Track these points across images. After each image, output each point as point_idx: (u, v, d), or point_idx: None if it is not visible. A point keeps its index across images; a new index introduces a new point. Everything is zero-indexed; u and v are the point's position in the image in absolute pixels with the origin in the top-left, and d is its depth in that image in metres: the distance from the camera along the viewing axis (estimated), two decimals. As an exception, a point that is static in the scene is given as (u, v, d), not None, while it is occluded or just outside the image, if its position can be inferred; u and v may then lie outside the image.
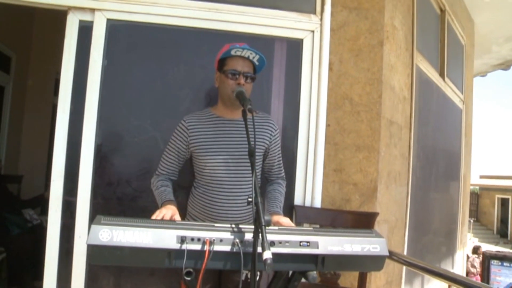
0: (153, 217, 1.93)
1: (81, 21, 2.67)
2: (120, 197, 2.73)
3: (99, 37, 2.66)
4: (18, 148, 5.81)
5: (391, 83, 3.08)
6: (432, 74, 4.10)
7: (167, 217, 1.94)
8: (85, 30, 2.67)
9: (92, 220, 2.14)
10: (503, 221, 27.45)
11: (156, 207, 2.19)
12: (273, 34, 2.88)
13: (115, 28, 2.71)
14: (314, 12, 2.93)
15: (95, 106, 2.64)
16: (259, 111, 2.31)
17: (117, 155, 2.76)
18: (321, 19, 2.91)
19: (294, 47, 2.93)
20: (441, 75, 4.41)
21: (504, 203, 27.48)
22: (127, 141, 2.75)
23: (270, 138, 2.34)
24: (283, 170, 2.49)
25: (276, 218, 2.12)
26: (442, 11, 4.40)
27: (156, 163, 2.36)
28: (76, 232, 2.58)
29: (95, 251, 1.55)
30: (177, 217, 2.01)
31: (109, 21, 2.68)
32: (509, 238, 26.25)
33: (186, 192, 2.40)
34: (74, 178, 2.61)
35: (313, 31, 2.91)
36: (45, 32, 5.78)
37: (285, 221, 2.12)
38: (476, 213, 28.52)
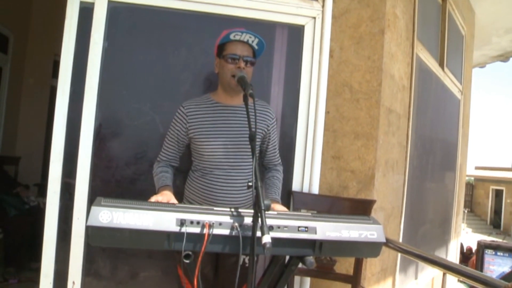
0: None
1: (82, 2, 2.65)
2: (119, 180, 2.73)
3: (100, 19, 2.64)
4: (15, 129, 5.79)
5: (391, 72, 3.08)
6: (431, 64, 4.10)
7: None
8: (86, 12, 2.64)
9: (91, 202, 2.15)
10: (497, 212, 27.68)
11: (154, 191, 2.21)
12: (275, 19, 2.87)
13: (116, 10, 2.68)
14: (316, -1, 2.92)
15: (95, 88, 2.63)
16: (258, 98, 2.32)
17: (116, 138, 2.75)
18: (323, 6, 2.90)
19: (295, 33, 2.92)
20: (441, 65, 4.41)
21: (498, 194, 27.68)
22: (127, 124, 2.74)
23: (268, 126, 2.36)
24: (279, 157, 2.51)
25: (272, 205, 2.14)
26: (443, 0, 4.38)
27: (155, 146, 2.37)
28: (75, 214, 2.59)
29: (94, 233, 1.56)
30: (173, 201, 2.02)
31: (110, 3, 2.65)
32: (501, 229, 26.48)
33: (185, 177, 2.41)
34: (73, 160, 2.61)
35: (314, 18, 2.89)
36: (44, 12, 5.74)
37: (281, 209, 2.15)
38: (470, 204, 28.74)
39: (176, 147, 2.32)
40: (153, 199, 1.98)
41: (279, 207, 2.16)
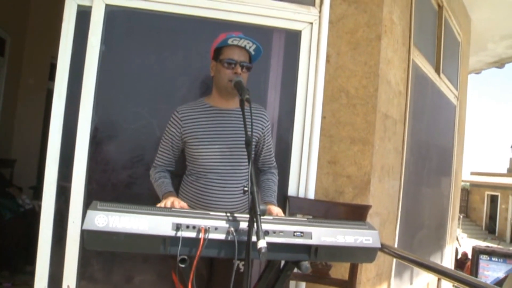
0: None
1: (79, 6, 2.65)
2: (115, 184, 2.72)
3: (97, 22, 2.64)
4: (11, 131, 5.78)
5: (387, 77, 3.10)
6: (427, 69, 4.12)
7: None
8: (83, 15, 2.64)
9: (86, 205, 2.14)
10: (492, 217, 27.74)
11: (151, 194, 2.21)
12: (272, 25, 2.87)
13: (113, 14, 2.68)
14: (313, 4, 2.92)
15: (91, 91, 2.62)
16: (253, 102, 2.32)
17: (112, 142, 2.75)
18: (320, 11, 2.91)
19: (292, 38, 2.92)
20: (437, 71, 4.43)
21: (493, 200, 27.74)
22: (123, 128, 2.74)
23: (263, 130, 2.36)
24: (274, 160, 2.51)
25: (268, 207, 2.14)
26: (440, 7, 4.41)
27: (152, 150, 2.37)
28: (70, 217, 2.58)
29: (90, 236, 1.56)
30: (182, 204, 2.03)
31: (107, 6, 2.65)
32: (496, 234, 26.54)
33: (180, 181, 2.40)
34: (69, 163, 2.60)
35: (311, 23, 2.90)
36: (41, 15, 5.73)
37: (277, 210, 2.15)
38: (465, 209, 28.79)
39: (171, 152, 2.32)
40: (169, 203, 1.99)
41: (275, 209, 2.16)
